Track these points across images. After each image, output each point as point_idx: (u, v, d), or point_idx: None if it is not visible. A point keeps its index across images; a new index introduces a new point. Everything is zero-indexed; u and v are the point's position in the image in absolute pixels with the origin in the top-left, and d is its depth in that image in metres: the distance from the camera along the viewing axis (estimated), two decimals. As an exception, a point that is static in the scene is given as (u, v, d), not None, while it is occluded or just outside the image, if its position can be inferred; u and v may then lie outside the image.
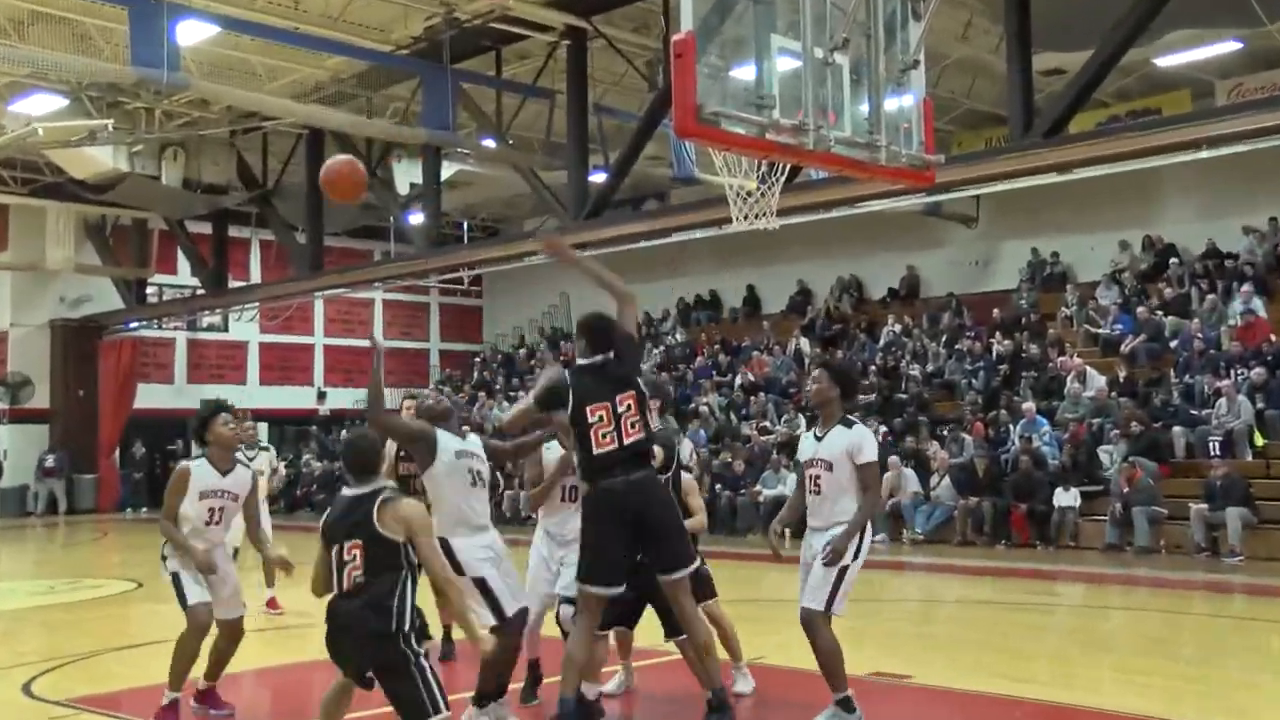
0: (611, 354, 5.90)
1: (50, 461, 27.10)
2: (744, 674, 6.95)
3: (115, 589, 13.31)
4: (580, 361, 5.97)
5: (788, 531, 6.29)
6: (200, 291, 26.92)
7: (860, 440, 6.01)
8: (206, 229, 26.14)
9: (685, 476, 6.89)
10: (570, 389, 5.83)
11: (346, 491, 5.24)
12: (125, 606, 12.26)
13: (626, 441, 5.68)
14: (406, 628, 4.97)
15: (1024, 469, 16.18)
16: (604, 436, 5.67)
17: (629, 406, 5.73)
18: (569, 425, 5.84)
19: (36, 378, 27.86)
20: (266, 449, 11.72)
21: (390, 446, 7.41)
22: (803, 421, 19.89)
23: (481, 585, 5.86)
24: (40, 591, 13.63)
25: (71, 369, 27.99)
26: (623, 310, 6.07)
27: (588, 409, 5.72)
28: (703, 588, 6.57)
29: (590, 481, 5.75)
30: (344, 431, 29.25)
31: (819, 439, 6.13)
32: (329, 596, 5.12)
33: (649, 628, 6.55)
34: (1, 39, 15.90)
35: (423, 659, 4.98)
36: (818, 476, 6.05)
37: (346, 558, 5.03)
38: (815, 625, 5.91)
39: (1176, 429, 16.13)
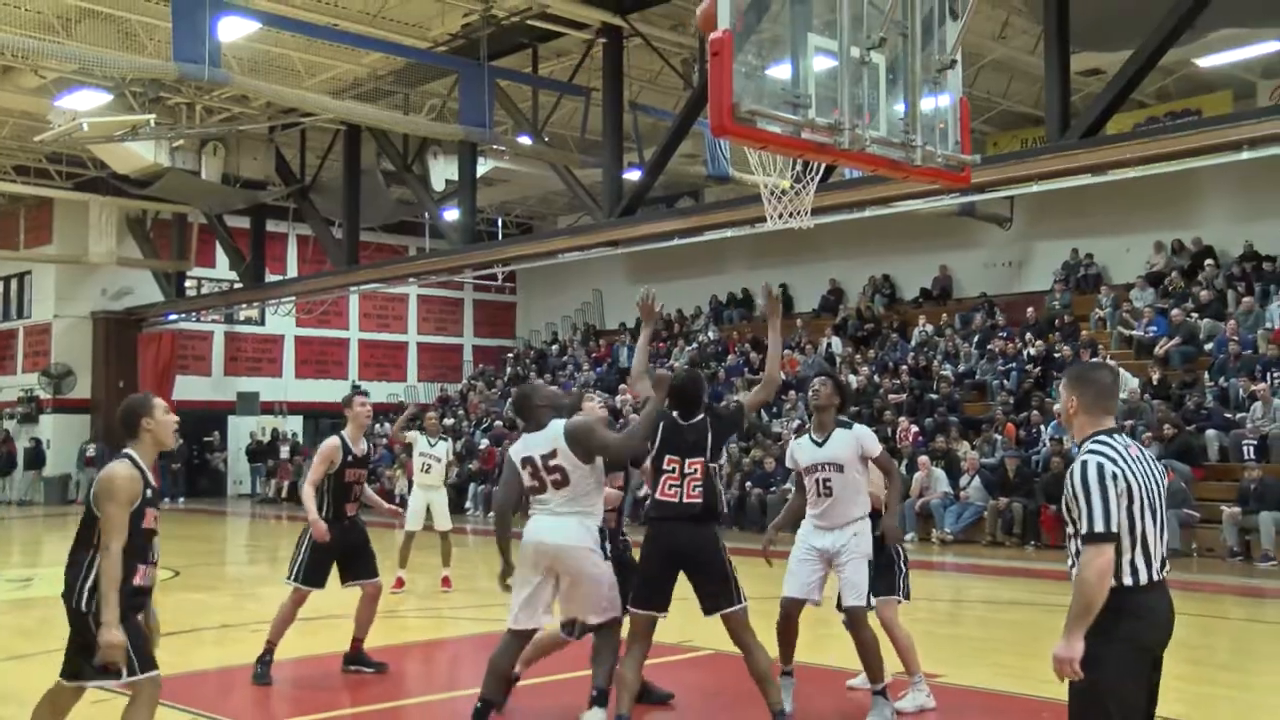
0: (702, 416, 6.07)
1: (91, 451, 27.46)
2: (918, 688, 6.65)
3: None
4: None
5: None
6: (238, 285, 27.19)
7: (866, 436, 6.46)
8: (245, 223, 26.42)
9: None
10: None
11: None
12: (164, 594, 12.39)
13: (686, 500, 5.90)
14: (93, 608, 4.74)
15: (1055, 470, 16.07)
16: (669, 488, 5.93)
17: (695, 470, 5.94)
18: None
19: (79, 369, 28.29)
20: (445, 439, 12.81)
21: (336, 456, 7.72)
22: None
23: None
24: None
25: (113, 360, 28.37)
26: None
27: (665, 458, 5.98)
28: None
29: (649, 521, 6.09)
30: (377, 426, 29.48)
31: (819, 444, 6.42)
32: None
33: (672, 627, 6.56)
34: (50, 35, 16.12)
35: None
36: (827, 480, 6.34)
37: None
38: (860, 621, 6.23)
39: (1210, 432, 15.98)
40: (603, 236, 19.01)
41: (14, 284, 30.33)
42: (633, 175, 19.12)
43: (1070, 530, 3.86)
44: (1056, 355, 19.51)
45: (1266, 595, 12.38)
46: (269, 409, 30.69)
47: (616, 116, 17.70)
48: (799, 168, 8.29)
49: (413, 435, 12.46)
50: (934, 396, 19.98)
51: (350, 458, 7.75)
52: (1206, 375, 17.38)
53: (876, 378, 21.43)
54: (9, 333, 30.26)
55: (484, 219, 30.25)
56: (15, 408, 28.84)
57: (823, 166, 7.99)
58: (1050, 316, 21.16)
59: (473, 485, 23.73)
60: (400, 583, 11.78)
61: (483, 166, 21.61)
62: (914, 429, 18.72)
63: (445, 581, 11.98)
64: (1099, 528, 3.73)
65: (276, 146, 23.44)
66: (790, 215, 7.83)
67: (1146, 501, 3.84)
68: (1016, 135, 22.75)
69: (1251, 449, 15.30)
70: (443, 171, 21.81)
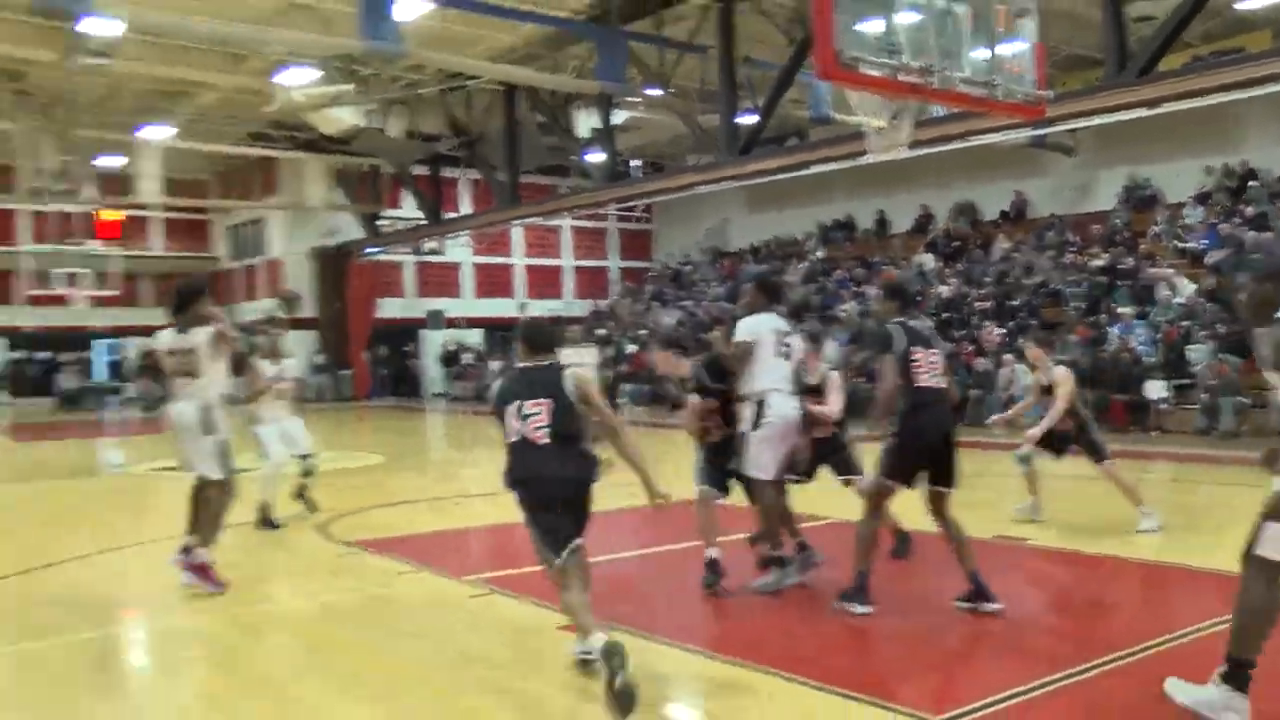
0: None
1: (320, 360, 28.80)
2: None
3: (371, 460, 14.09)
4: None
5: None
6: (422, 222, 27.72)
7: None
8: (426, 171, 26.82)
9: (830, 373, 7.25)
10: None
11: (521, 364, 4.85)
12: (378, 474, 12.97)
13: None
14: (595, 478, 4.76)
15: (1122, 365, 15.44)
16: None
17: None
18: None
19: (305, 294, 29.41)
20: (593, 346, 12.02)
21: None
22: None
23: None
24: (322, 461, 14.48)
25: (329, 287, 29.42)
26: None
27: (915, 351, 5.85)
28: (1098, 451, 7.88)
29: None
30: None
31: None
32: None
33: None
34: (267, 26, 16.46)
35: None
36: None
37: (529, 410, 4.62)
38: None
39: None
40: (724, 173, 18.75)
41: (251, 229, 31.57)
42: (747, 119, 18.70)
43: None
44: (1120, 266, 18.65)
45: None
46: (453, 324, 31.50)
47: (730, 70, 17.29)
48: (894, 106, 8.03)
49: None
50: (1015, 303, 19.34)
51: None
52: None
53: (964, 288, 20.88)
54: (253, 268, 31.62)
55: (622, 160, 30.00)
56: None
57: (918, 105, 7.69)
58: (1113, 233, 20.21)
59: (623, 385, 24.06)
60: None
61: (619, 116, 21.41)
62: (998, 331, 18.21)
63: None
64: None
65: (448, 106, 23.60)
66: (889, 149, 7.60)
67: None
68: (1078, 76, 21.48)
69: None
70: (586, 121, 21.66)
